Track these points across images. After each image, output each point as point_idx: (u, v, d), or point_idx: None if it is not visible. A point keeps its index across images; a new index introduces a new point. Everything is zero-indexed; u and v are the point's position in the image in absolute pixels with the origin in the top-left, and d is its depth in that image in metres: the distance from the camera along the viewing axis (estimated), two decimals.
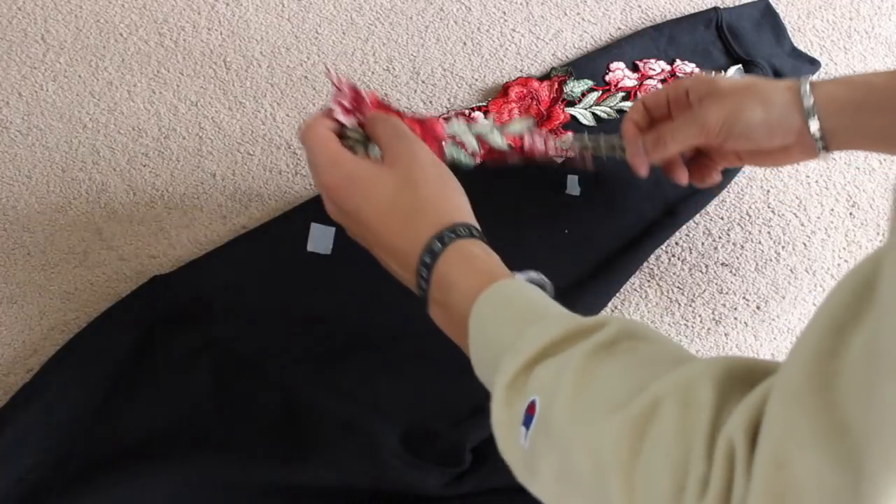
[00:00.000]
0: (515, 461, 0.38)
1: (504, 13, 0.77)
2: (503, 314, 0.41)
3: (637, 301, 0.62)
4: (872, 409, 0.24)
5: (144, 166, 0.64)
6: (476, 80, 0.72)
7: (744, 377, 0.33)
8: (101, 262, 0.59)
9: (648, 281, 0.63)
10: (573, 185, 0.66)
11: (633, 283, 0.63)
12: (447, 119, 0.55)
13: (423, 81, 0.72)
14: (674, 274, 0.63)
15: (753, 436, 0.29)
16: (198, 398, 0.53)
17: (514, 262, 0.61)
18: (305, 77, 0.71)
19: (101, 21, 0.72)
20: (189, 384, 0.53)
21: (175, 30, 0.72)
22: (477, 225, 0.46)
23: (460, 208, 0.46)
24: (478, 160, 0.55)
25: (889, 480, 0.22)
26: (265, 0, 0.75)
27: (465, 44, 0.75)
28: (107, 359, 0.53)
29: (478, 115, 0.68)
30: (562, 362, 0.37)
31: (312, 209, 0.62)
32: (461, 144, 0.55)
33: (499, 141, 0.55)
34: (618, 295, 0.62)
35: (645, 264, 0.63)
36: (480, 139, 0.55)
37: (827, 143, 0.51)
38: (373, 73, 0.72)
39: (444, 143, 0.54)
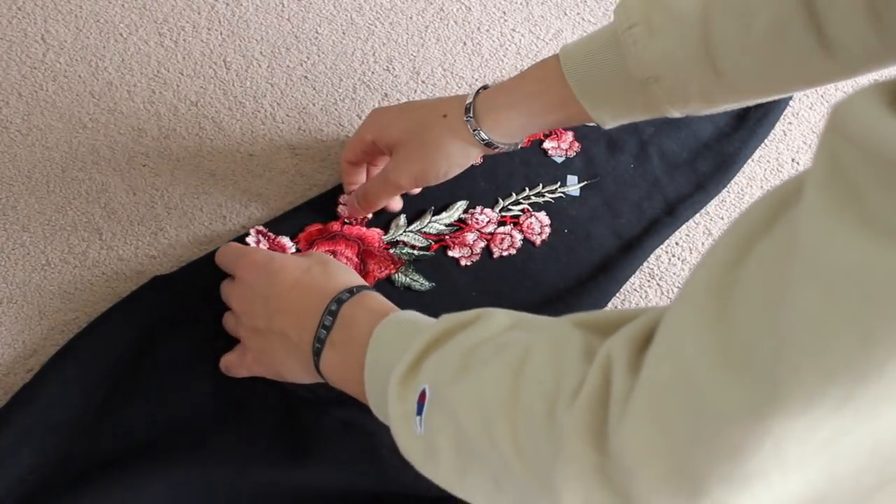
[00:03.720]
0: (416, 452, 0.40)
1: (504, 13, 0.77)
2: (395, 336, 0.44)
3: (637, 301, 0.62)
4: (775, 314, 0.24)
5: (144, 166, 0.64)
6: (476, 80, 0.72)
7: (603, 324, 0.35)
8: (100, 262, 0.59)
9: (648, 281, 0.63)
10: (573, 185, 0.66)
11: (633, 283, 0.63)
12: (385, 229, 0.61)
13: (423, 81, 0.72)
14: (674, 274, 0.64)
15: (640, 345, 0.30)
16: (198, 398, 0.53)
17: (514, 262, 0.61)
18: (305, 77, 0.71)
19: (101, 21, 0.72)
20: (189, 384, 0.53)
21: (175, 30, 0.72)
22: None
23: (364, 283, 0.51)
24: (433, 249, 0.61)
25: (800, 388, 0.22)
26: (265, 0, 0.75)
27: (465, 44, 0.75)
28: (107, 359, 0.53)
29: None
30: (446, 349, 0.40)
31: (308, 209, 0.62)
32: (408, 245, 0.61)
33: (440, 227, 0.61)
34: (618, 295, 0.62)
35: (645, 264, 0.63)
36: (423, 234, 0.61)
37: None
38: (373, 73, 0.72)
39: (390, 251, 0.60)
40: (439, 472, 0.39)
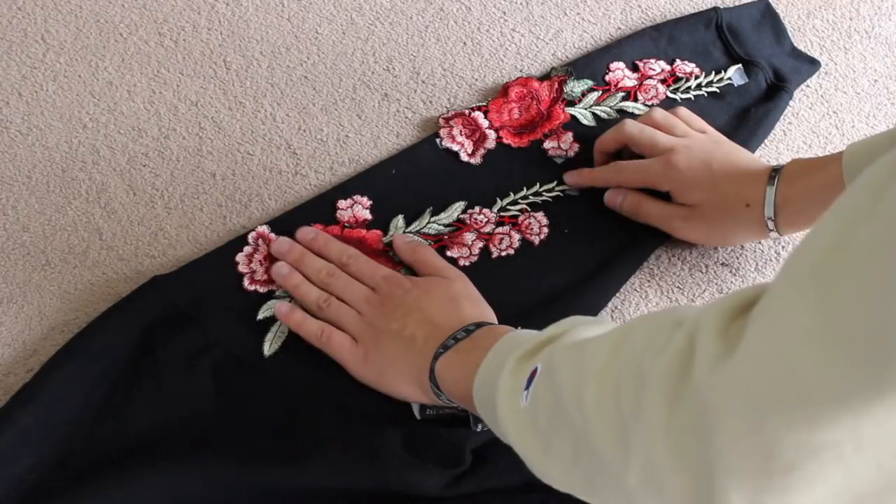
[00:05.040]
0: (514, 424, 0.42)
1: (504, 13, 0.77)
2: (520, 338, 0.46)
3: (637, 301, 0.62)
4: (877, 298, 0.24)
5: (144, 166, 0.64)
6: (476, 80, 0.72)
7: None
8: (100, 262, 0.59)
9: (648, 281, 0.63)
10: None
11: (633, 283, 0.63)
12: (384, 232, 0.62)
13: (423, 81, 0.72)
14: (674, 274, 0.63)
15: (732, 315, 0.31)
16: (198, 398, 0.53)
17: (513, 262, 0.61)
18: (305, 77, 0.71)
19: (101, 21, 0.72)
20: (189, 384, 0.53)
21: (175, 30, 0.72)
22: None
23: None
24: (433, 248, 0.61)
25: (888, 372, 0.23)
26: (265, 0, 0.75)
27: (465, 44, 0.75)
28: (107, 359, 0.53)
29: (477, 114, 0.68)
30: (565, 337, 0.42)
31: (309, 210, 0.62)
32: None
33: (439, 227, 0.61)
34: (618, 295, 0.62)
35: (645, 264, 0.63)
36: (423, 234, 0.61)
37: None
38: (373, 73, 0.72)
39: (389, 253, 0.60)
40: (530, 444, 0.41)
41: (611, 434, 0.34)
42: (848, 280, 0.25)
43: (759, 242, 0.65)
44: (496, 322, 0.54)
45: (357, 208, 0.62)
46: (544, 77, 0.72)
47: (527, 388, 0.41)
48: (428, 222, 0.62)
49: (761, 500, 0.28)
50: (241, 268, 0.58)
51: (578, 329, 0.43)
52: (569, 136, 0.68)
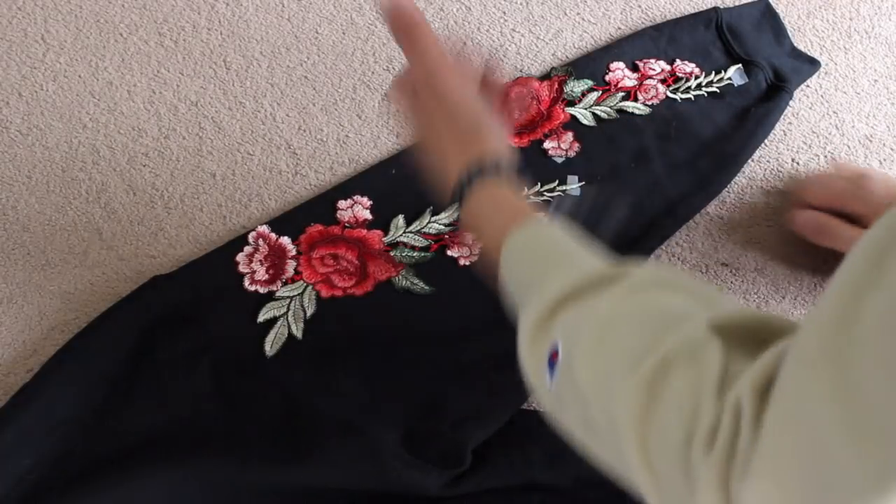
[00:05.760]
0: (543, 395, 0.40)
1: (504, 13, 0.77)
2: (531, 252, 0.43)
3: None
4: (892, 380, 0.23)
5: (144, 166, 0.64)
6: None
7: (752, 333, 0.34)
8: (100, 262, 0.59)
9: None
10: (573, 185, 0.66)
11: None
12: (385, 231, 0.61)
13: None
14: None
15: (762, 395, 0.29)
16: (198, 398, 0.53)
17: None
18: (305, 77, 0.71)
19: (101, 21, 0.72)
20: (189, 384, 0.53)
21: (175, 30, 0.72)
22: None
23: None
24: (433, 249, 0.61)
25: None
26: (265, 0, 0.75)
27: (464, 44, 0.75)
28: (107, 359, 0.53)
29: None
30: (583, 311, 0.38)
31: (309, 210, 0.62)
32: (408, 245, 0.61)
33: (439, 227, 0.61)
34: None
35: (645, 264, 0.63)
36: (423, 234, 0.61)
37: None
38: (373, 73, 0.72)
39: (390, 253, 0.60)
40: (562, 421, 0.39)
41: (666, 497, 0.33)
42: (865, 359, 0.24)
43: (758, 242, 0.65)
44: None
45: (357, 208, 0.62)
46: (544, 77, 0.72)
47: (550, 367, 0.38)
48: (428, 222, 0.62)
49: None
50: (242, 268, 0.58)
51: (594, 295, 0.39)
52: (569, 135, 0.68)
